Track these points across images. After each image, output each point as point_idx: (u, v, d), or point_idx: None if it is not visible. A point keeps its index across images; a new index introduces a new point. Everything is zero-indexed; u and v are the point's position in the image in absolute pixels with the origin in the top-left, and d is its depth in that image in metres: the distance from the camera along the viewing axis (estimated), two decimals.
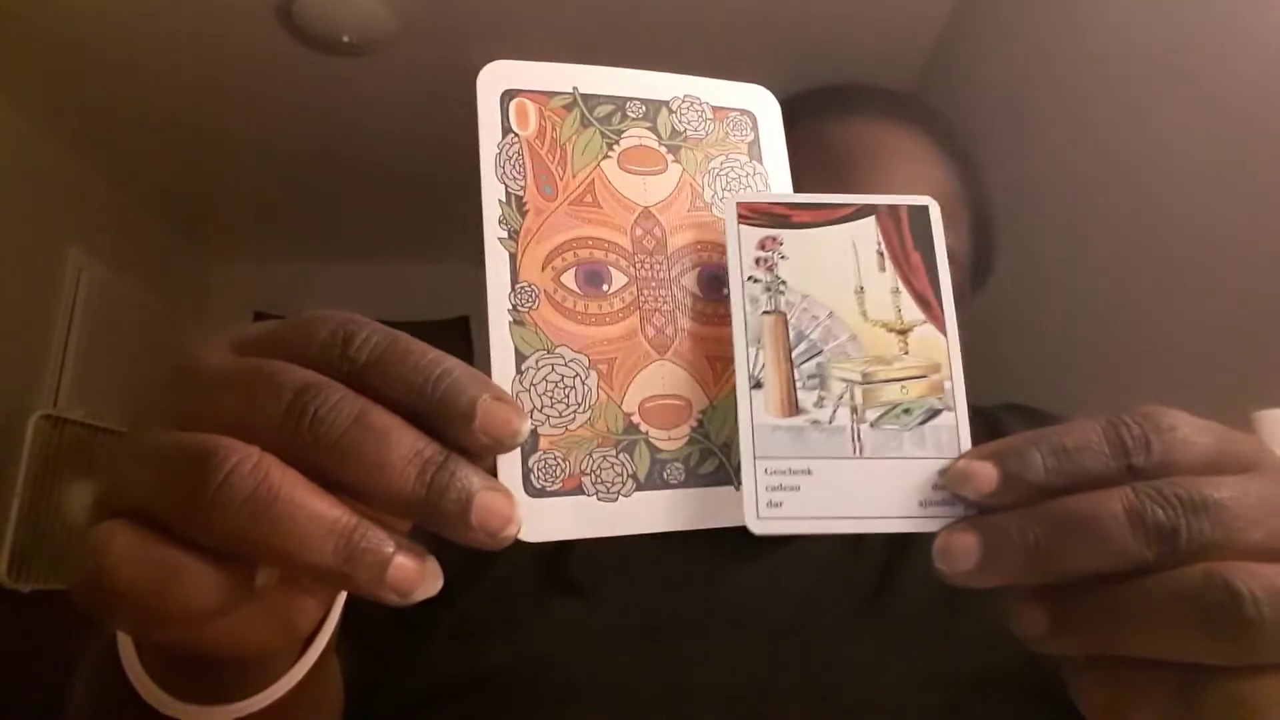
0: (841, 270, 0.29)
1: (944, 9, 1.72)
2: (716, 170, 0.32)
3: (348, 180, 2.35)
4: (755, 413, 0.27)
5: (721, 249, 0.30)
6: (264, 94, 1.98)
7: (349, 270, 2.73)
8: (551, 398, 0.27)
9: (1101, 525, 0.24)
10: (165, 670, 0.30)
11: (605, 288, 0.29)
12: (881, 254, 0.29)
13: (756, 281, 0.29)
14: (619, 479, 0.27)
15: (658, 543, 0.28)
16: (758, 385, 0.28)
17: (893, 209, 0.30)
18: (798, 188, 0.54)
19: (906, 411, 0.28)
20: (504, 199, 0.29)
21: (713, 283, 0.30)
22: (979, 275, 0.63)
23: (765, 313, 0.28)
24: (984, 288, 0.65)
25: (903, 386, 0.28)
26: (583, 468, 0.27)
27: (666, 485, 0.28)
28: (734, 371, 0.28)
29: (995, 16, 1.57)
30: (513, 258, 0.28)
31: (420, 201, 2.37)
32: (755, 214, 0.29)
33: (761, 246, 0.29)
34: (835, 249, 0.29)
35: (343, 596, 0.33)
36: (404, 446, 0.24)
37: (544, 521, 0.26)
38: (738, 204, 0.29)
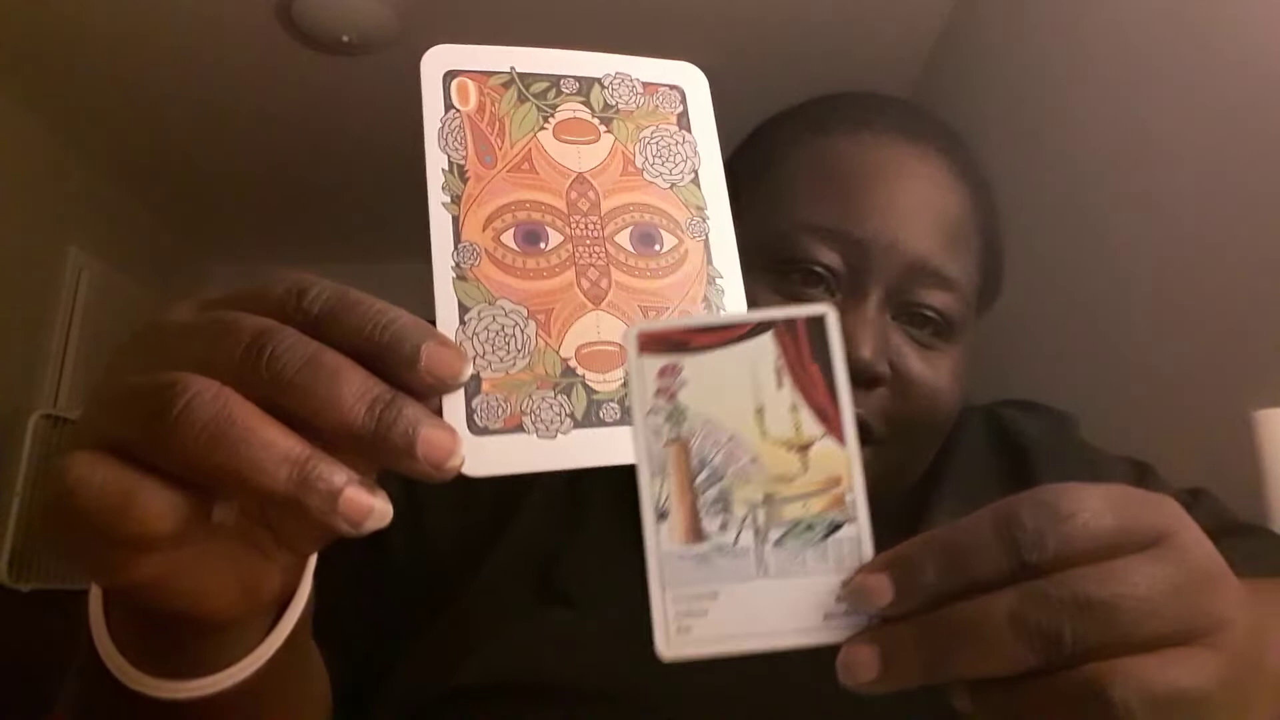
0: (741, 391, 0.29)
1: (943, 10, 1.72)
2: (647, 139, 0.34)
3: (348, 180, 2.36)
4: (661, 542, 0.28)
5: (651, 209, 0.32)
6: (264, 94, 1.98)
7: (349, 270, 2.73)
8: (493, 345, 0.29)
9: (987, 633, 0.25)
10: (134, 644, 0.31)
11: (543, 245, 0.31)
12: (779, 370, 0.30)
13: (658, 412, 0.29)
14: (557, 418, 0.29)
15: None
16: (663, 515, 0.29)
17: (790, 323, 0.30)
18: (803, 207, 0.54)
19: (809, 528, 0.28)
20: (446, 168, 0.32)
21: (644, 240, 0.32)
22: (985, 299, 0.61)
23: (668, 442, 0.29)
24: (989, 309, 0.63)
25: (804, 503, 0.29)
26: (523, 408, 0.29)
27: (603, 424, 0.30)
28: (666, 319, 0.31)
29: (994, 17, 1.57)
30: (455, 220, 0.31)
31: (420, 201, 2.36)
32: (655, 342, 0.30)
33: (662, 374, 0.30)
34: (734, 370, 0.30)
35: (310, 574, 0.33)
36: (354, 384, 0.25)
37: (487, 457, 0.28)
38: (638, 334, 0.30)
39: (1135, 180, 1.11)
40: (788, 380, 0.30)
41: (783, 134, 0.60)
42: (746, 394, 0.30)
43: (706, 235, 0.33)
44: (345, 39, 1.74)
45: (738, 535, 0.29)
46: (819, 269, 0.52)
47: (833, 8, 1.70)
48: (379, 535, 0.59)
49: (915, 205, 0.54)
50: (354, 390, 0.25)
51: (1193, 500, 0.60)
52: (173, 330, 0.27)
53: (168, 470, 0.25)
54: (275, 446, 0.25)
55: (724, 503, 0.29)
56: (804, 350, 0.30)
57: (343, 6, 1.67)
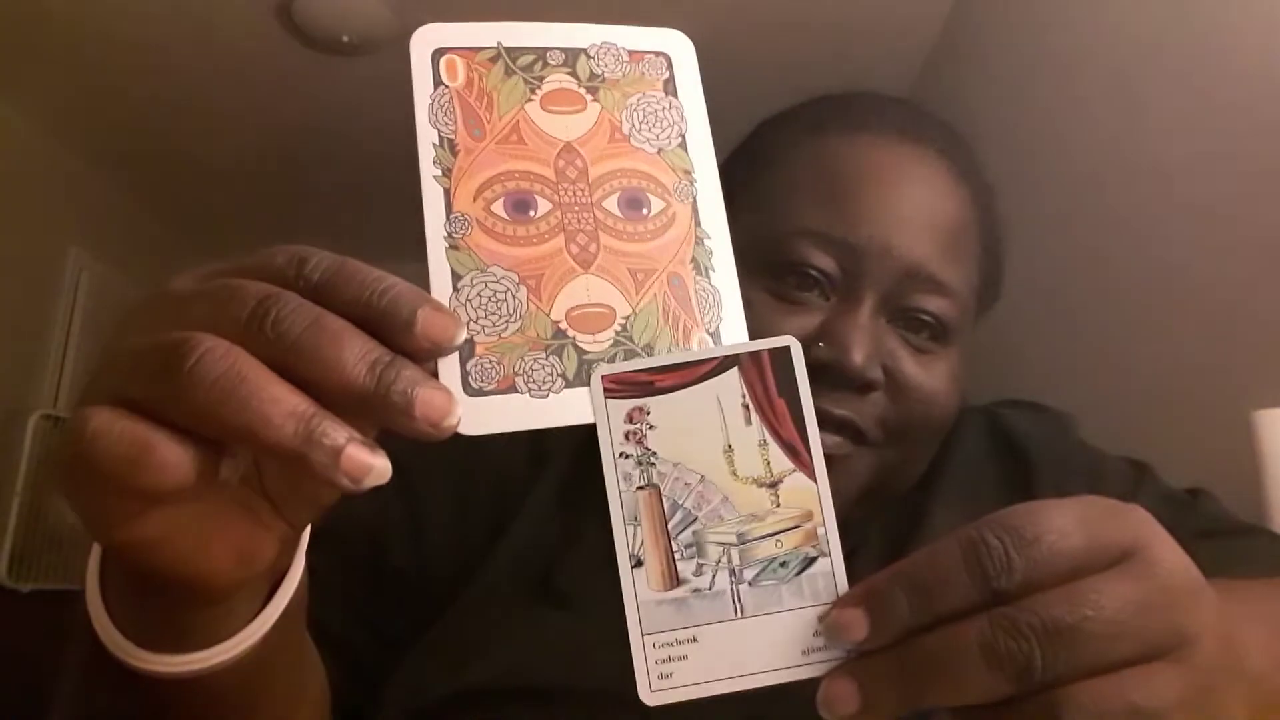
0: (709, 431, 0.30)
1: (943, 10, 1.72)
2: (634, 106, 0.34)
3: (348, 180, 2.36)
4: (638, 590, 0.29)
5: (639, 174, 0.33)
6: (264, 94, 1.98)
7: None
8: (485, 310, 0.30)
9: (960, 664, 0.26)
10: (130, 618, 0.31)
11: (532, 213, 0.32)
12: (747, 407, 0.30)
13: (628, 458, 0.30)
14: (549, 378, 0.30)
15: None
16: (638, 563, 0.29)
17: (755, 356, 0.30)
18: (799, 211, 0.54)
19: (783, 564, 0.29)
20: (437, 142, 0.33)
21: (631, 204, 0.33)
22: (984, 301, 0.61)
23: (639, 488, 0.30)
24: (989, 310, 0.63)
25: (777, 540, 0.29)
26: (516, 369, 0.30)
27: None
28: (654, 280, 0.31)
29: (994, 17, 1.57)
30: (447, 192, 0.32)
31: (420, 202, 2.36)
32: (621, 385, 0.30)
33: (630, 419, 0.30)
34: (701, 409, 0.30)
35: (303, 551, 0.34)
36: (356, 346, 0.27)
37: (482, 417, 0.29)
38: (603, 377, 0.30)
39: (1135, 179, 1.11)
40: (755, 416, 0.30)
41: (781, 135, 0.60)
42: (715, 432, 0.30)
43: (694, 198, 0.33)
44: (345, 39, 1.74)
45: (713, 578, 0.29)
46: (813, 273, 0.52)
47: (832, 7, 1.70)
48: (378, 541, 0.59)
49: (912, 210, 0.54)
50: (355, 352, 0.26)
51: (1193, 500, 0.60)
52: (179, 296, 0.28)
53: (179, 425, 0.26)
54: (282, 402, 0.26)
55: (698, 546, 0.29)
56: (770, 384, 0.30)
57: (343, 6, 1.67)
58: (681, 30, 0.36)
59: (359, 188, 2.40)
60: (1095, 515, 0.27)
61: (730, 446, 0.30)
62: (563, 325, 0.31)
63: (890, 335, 0.53)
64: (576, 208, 0.32)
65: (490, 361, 0.30)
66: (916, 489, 0.58)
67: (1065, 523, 0.27)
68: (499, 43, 0.34)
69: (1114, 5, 1.19)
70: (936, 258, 0.53)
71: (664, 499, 0.29)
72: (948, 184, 0.56)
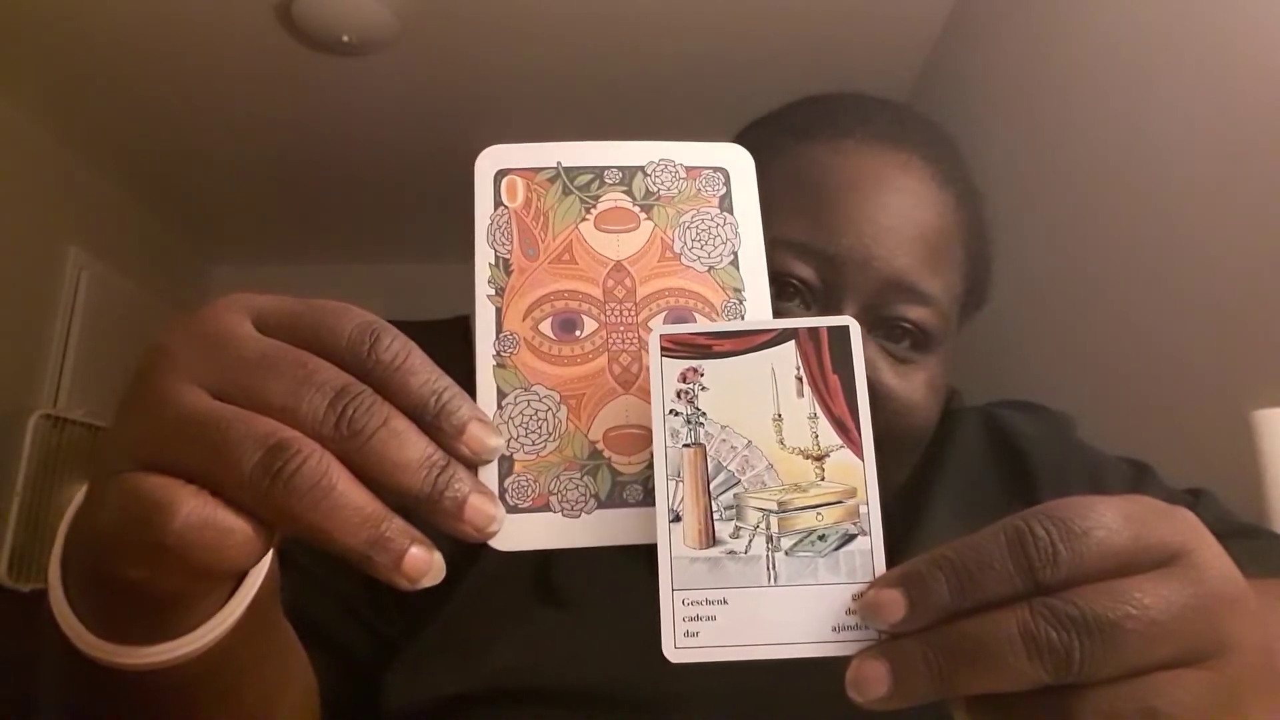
0: (760, 398, 0.30)
1: (943, 10, 1.72)
2: (687, 224, 0.35)
3: (348, 180, 2.36)
4: (673, 545, 0.29)
5: (687, 293, 0.34)
6: (264, 94, 1.98)
7: (348, 270, 2.73)
8: (526, 429, 0.32)
9: (998, 650, 0.26)
10: (94, 613, 0.31)
11: (578, 333, 0.33)
12: (800, 379, 0.30)
13: (677, 415, 0.30)
14: (582, 499, 0.31)
15: (642, 551, 0.30)
16: (676, 518, 0.29)
17: (813, 332, 0.31)
18: (782, 217, 0.53)
19: (821, 538, 0.29)
20: (493, 262, 0.34)
21: (677, 324, 0.33)
22: (970, 307, 0.60)
23: (685, 445, 0.30)
24: (975, 316, 0.63)
25: (818, 513, 0.29)
26: (550, 488, 0.31)
27: (625, 504, 0.31)
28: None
29: (994, 17, 1.57)
30: (498, 311, 0.33)
31: (419, 202, 2.37)
32: (678, 346, 0.31)
33: (683, 379, 0.31)
34: (755, 376, 0.31)
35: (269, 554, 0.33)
36: (418, 449, 0.28)
37: (515, 533, 0.30)
38: (661, 336, 0.31)
39: (1135, 179, 1.11)
40: (808, 389, 0.30)
41: (764, 140, 0.59)
42: (766, 400, 0.30)
43: (742, 317, 0.34)
44: (345, 39, 1.74)
45: (750, 542, 0.29)
46: (794, 283, 0.52)
47: (832, 8, 1.70)
48: None
49: (893, 219, 0.53)
50: (417, 455, 0.28)
51: (1193, 501, 0.60)
52: (246, 355, 0.29)
53: (258, 515, 0.27)
54: (360, 510, 0.27)
55: (737, 509, 0.29)
56: (825, 360, 0.30)
57: (343, 6, 1.67)
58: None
59: (358, 187, 2.40)
60: (1145, 515, 0.27)
61: (780, 416, 0.30)
62: (599, 446, 0.32)
63: (870, 345, 0.53)
64: (622, 327, 0.33)
65: (527, 479, 0.31)
66: (914, 489, 0.58)
67: (1114, 519, 0.27)
68: (558, 163, 0.35)
69: (1114, 6, 1.19)
70: (918, 267, 0.53)
71: (708, 459, 0.30)
72: (931, 191, 0.55)
